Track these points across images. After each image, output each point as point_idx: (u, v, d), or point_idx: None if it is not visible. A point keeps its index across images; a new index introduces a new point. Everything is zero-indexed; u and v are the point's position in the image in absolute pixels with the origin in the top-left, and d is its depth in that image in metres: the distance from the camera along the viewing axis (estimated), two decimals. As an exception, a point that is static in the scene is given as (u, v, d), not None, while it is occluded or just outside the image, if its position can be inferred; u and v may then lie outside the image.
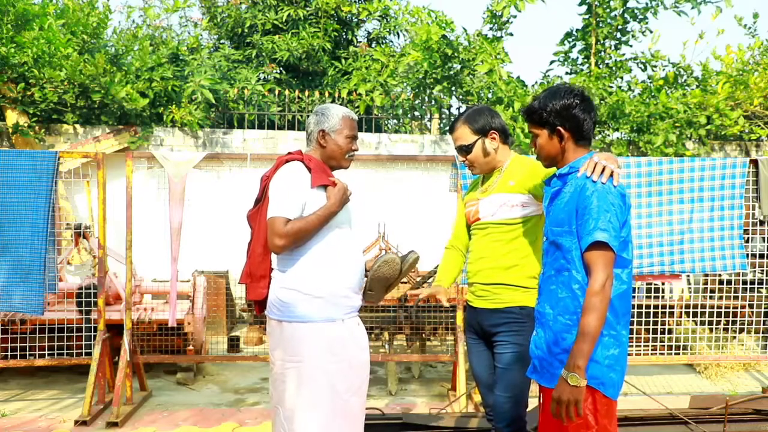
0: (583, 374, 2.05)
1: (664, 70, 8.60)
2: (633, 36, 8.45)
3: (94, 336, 4.74)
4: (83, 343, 4.89)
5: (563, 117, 2.29)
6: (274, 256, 2.67)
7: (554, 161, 2.38)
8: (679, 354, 5.20)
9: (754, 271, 5.40)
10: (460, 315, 4.81)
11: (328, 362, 2.54)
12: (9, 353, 4.95)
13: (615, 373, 2.18)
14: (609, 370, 2.16)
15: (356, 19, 10.97)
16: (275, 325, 2.63)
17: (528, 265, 2.65)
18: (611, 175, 2.18)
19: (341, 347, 2.57)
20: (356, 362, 2.62)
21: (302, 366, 2.53)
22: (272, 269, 2.69)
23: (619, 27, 8.32)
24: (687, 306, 5.41)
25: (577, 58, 8.72)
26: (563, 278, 2.23)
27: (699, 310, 5.21)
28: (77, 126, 8.05)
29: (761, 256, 5.29)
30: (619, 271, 2.18)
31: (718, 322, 5.48)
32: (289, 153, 2.72)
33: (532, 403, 3.13)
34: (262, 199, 2.69)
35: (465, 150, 2.80)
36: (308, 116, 2.78)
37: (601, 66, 8.42)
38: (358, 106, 8.92)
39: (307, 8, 10.37)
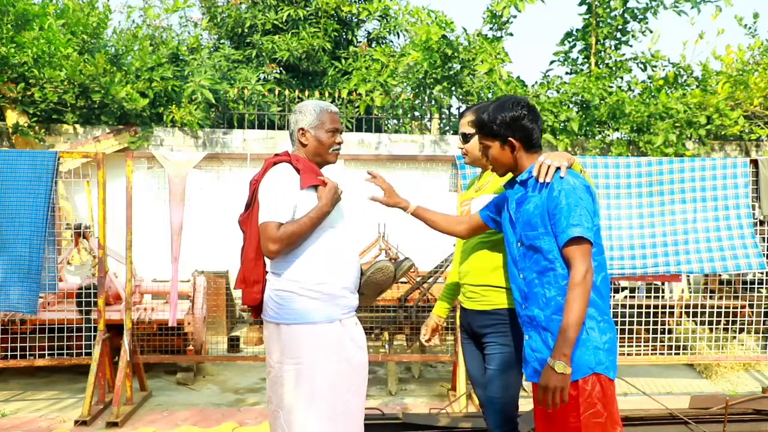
0: (569, 362, 2.14)
1: (664, 70, 8.61)
2: (633, 36, 8.46)
3: (94, 336, 4.74)
4: (83, 343, 4.88)
5: (513, 128, 2.37)
6: (269, 260, 2.65)
7: (508, 170, 2.47)
8: (679, 354, 5.20)
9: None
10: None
11: (327, 362, 2.52)
12: (9, 353, 4.95)
13: (613, 354, 2.28)
14: (609, 353, 2.26)
15: (356, 19, 10.97)
16: (272, 327, 2.61)
17: None
18: (558, 170, 2.27)
19: (340, 347, 2.56)
20: (356, 362, 2.61)
21: (301, 367, 2.52)
22: (266, 273, 2.66)
23: (619, 27, 8.33)
24: (687, 306, 5.41)
25: (577, 58, 8.73)
26: (548, 278, 2.29)
27: (699, 310, 5.20)
28: (77, 126, 8.05)
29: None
30: (599, 258, 2.29)
31: (718, 322, 5.48)
32: (276, 155, 2.67)
33: (529, 404, 3.13)
34: (252, 204, 2.65)
35: (464, 138, 2.83)
36: (292, 114, 2.76)
37: (601, 66, 8.42)
38: (358, 106, 8.93)
39: (307, 8, 10.37)
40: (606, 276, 2.32)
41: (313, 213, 2.52)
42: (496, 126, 2.38)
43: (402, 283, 5.77)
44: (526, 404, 3.05)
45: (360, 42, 11.11)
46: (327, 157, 2.70)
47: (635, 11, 8.30)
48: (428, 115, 10.10)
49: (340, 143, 2.72)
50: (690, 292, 5.58)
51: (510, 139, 2.37)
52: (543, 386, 2.17)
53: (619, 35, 8.42)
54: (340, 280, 2.59)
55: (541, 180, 2.27)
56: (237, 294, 7.72)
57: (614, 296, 5.71)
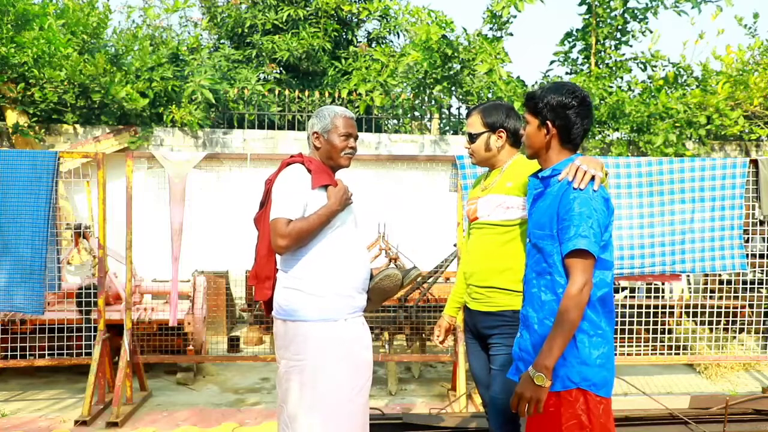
0: (549, 375, 2.08)
1: (664, 70, 8.61)
2: (633, 36, 8.46)
3: (94, 336, 4.74)
4: (83, 343, 4.89)
5: (556, 113, 2.27)
6: (279, 258, 2.68)
7: (537, 154, 2.38)
8: (679, 354, 5.20)
9: (754, 271, 5.39)
10: (460, 315, 4.80)
11: (331, 361, 2.54)
12: (9, 353, 4.95)
13: (607, 371, 2.19)
14: (601, 369, 2.17)
15: (356, 19, 10.97)
16: (280, 324, 2.65)
17: (522, 269, 2.64)
18: (593, 179, 2.17)
19: (345, 347, 2.58)
20: (360, 362, 2.63)
21: (305, 365, 2.55)
22: (277, 270, 2.70)
23: (619, 27, 8.33)
24: (687, 306, 5.41)
25: (577, 58, 8.73)
26: (545, 281, 2.23)
27: (699, 310, 5.20)
28: (77, 126, 8.05)
29: (761, 256, 5.29)
30: (605, 274, 2.20)
31: (718, 322, 5.47)
32: (292, 156, 2.74)
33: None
34: (266, 202, 2.72)
35: (470, 138, 2.82)
36: (308, 116, 2.79)
37: (601, 66, 8.42)
38: (358, 106, 8.92)
39: (307, 8, 10.37)
40: (608, 293, 2.22)
41: (321, 211, 2.56)
42: (542, 104, 2.28)
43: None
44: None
45: (360, 42, 11.11)
46: (339, 160, 2.74)
47: (635, 11, 8.29)
48: (428, 115, 10.10)
49: (353, 148, 2.75)
50: (690, 292, 5.57)
51: (548, 122, 2.28)
52: (519, 393, 2.12)
53: (619, 35, 8.42)
54: (348, 280, 2.62)
55: (575, 186, 2.15)
56: (237, 294, 7.72)
57: (614, 296, 5.71)
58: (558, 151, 2.31)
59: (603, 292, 2.20)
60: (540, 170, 2.38)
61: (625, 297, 5.85)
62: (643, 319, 5.25)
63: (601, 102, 7.91)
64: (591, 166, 2.20)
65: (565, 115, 2.27)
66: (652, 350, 5.28)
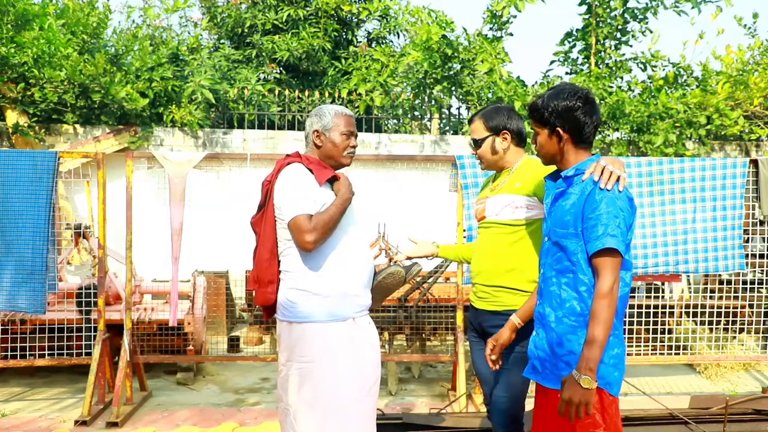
0: (595, 377, 2.07)
1: (664, 70, 8.61)
2: (633, 36, 8.45)
3: (94, 336, 4.74)
4: (83, 343, 4.89)
5: (564, 118, 2.27)
6: (282, 258, 2.64)
7: (553, 160, 2.38)
8: (679, 354, 5.20)
9: (754, 271, 5.39)
10: (460, 315, 4.81)
11: (338, 362, 2.52)
12: (9, 353, 4.95)
13: (618, 371, 2.21)
14: (614, 369, 2.19)
15: (356, 19, 10.98)
16: (285, 326, 2.61)
17: (529, 269, 2.65)
18: (617, 180, 2.19)
19: (352, 346, 2.56)
20: (368, 361, 2.61)
21: (312, 366, 2.52)
22: (280, 272, 2.66)
23: (619, 27, 8.32)
24: (687, 306, 5.41)
25: (577, 58, 8.72)
26: (567, 280, 2.23)
27: (699, 310, 5.20)
28: (77, 126, 8.05)
29: (761, 256, 5.29)
30: (624, 274, 2.20)
31: (718, 322, 5.48)
32: (288, 156, 2.70)
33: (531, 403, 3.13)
34: (265, 205, 2.67)
35: (475, 144, 2.83)
36: (308, 117, 2.77)
37: (601, 66, 8.42)
38: (358, 106, 8.93)
39: (307, 8, 10.38)
40: (626, 293, 2.24)
41: (338, 200, 2.56)
42: (547, 113, 2.28)
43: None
44: (531, 404, 3.05)
45: (360, 42, 11.11)
46: (341, 159, 2.72)
47: (635, 11, 8.29)
48: (428, 115, 10.10)
49: (354, 146, 2.74)
50: (690, 292, 5.57)
51: (558, 129, 2.28)
52: (567, 399, 2.09)
53: (619, 35, 8.41)
54: (354, 279, 2.60)
55: (602, 186, 2.16)
56: (237, 294, 7.72)
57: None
58: (575, 152, 2.32)
59: (623, 292, 2.21)
60: (559, 170, 2.39)
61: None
62: (643, 319, 5.25)
63: (601, 102, 7.90)
64: (616, 167, 2.22)
65: (574, 118, 2.27)
66: (652, 350, 5.28)
